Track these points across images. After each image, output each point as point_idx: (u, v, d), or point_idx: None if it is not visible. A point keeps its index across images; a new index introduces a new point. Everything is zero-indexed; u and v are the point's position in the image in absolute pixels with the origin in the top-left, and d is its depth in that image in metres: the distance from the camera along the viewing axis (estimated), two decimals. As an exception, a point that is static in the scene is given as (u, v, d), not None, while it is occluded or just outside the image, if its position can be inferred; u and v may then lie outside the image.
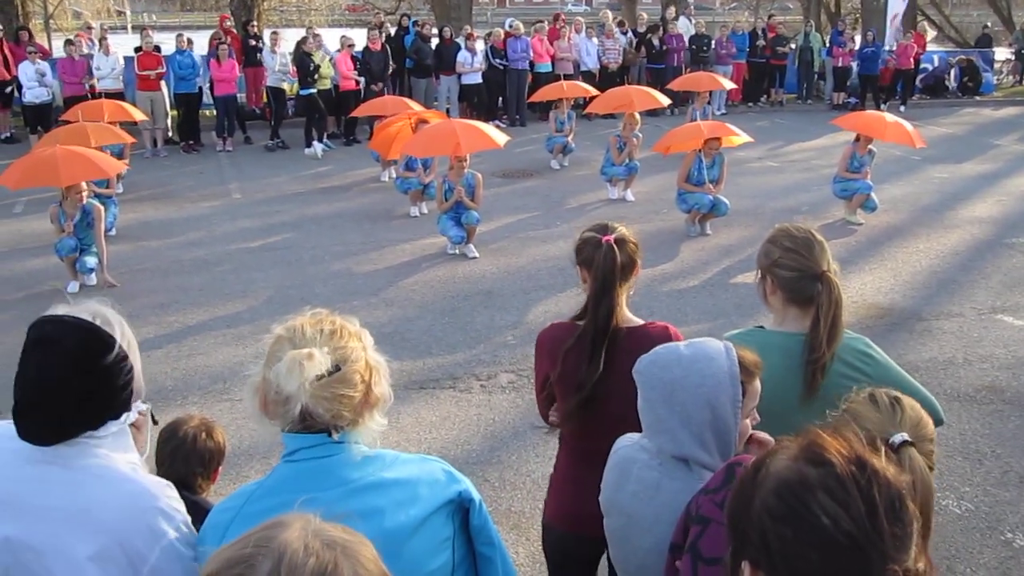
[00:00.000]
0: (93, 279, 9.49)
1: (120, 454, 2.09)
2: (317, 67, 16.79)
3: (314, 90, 16.86)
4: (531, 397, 6.70)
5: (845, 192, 11.78)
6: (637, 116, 13.18)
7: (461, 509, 2.14)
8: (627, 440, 2.68)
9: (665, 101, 14.69)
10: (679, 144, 11.61)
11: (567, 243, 10.56)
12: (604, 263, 3.15)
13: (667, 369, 2.43)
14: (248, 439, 6.11)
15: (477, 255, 10.36)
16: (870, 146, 11.68)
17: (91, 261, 9.43)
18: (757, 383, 2.46)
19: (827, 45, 22.88)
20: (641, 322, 3.26)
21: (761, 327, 3.17)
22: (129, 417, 2.11)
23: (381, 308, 8.76)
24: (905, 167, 15.03)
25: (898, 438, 2.03)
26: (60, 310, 2.09)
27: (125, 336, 2.12)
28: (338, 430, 2.00)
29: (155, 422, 2.32)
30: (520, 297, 9.08)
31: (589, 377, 3.14)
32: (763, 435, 2.50)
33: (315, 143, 16.84)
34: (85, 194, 9.45)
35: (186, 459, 3.30)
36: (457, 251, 10.44)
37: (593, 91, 16.03)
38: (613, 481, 2.63)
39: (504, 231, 11.47)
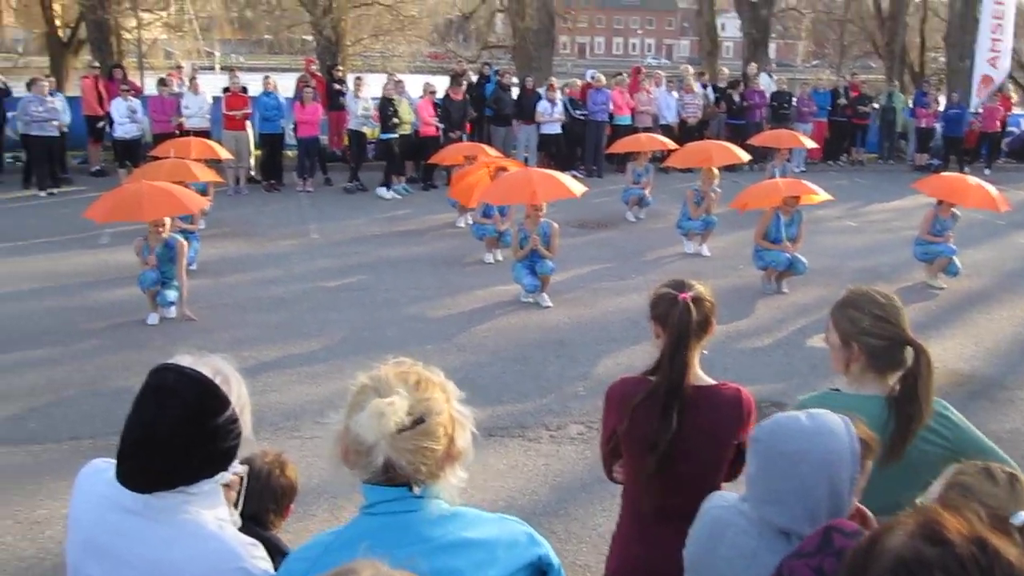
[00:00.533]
0: (172, 312, 9.67)
1: (209, 511, 2.10)
2: (396, 112, 17.01)
3: (394, 135, 17.09)
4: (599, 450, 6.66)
5: (927, 255, 11.57)
6: (715, 171, 13.13)
7: (539, 573, 2.09)
8: (721, 500, 2.61)
9: (745, 157, 14.61)
10: (756, 201, 11.53)
11: (641, 296, 10.55)
12: (680, 321, 3.11)
13: (789, 441, 2.34)
14: (317, 477, 6.12)
15: (551, 304, 10.35)
16: (953, 209, 11.49)
17: (171, 295, 9.61)
18: (871, 462, 2.38)
19: (910, 105, 22.63)
20: (713, 382, 3.21)
21: (837, 390, 3.11)
22: (224, 477, 2.12)
23: (453, 353, 8.78)
24: (989, 231, 14.73)
25: (1020, 518, 1.93)
26: (184, 360, 2.12)
27: (240, 398, 2.13)
28: (419, 484, 1.96)
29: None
30: (592, 348, 9.05)
31: (662, 436, 3.09)
32: (860, 506, 2.43)
33: (388, 187, 17.09)
34: (168, 229, 9.66)
35: (259, 495, 3.31)
36: (531, 299, 10.45)
37: (672, 144, 16.01)
38: (703, 541, 2.56)
39: (578, 281, 11.46)
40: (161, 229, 9.52)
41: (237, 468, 2.16)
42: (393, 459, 1.91)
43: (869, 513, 2.41)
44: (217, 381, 2.09)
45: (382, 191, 17.14)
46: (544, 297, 10.43)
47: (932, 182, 12.26)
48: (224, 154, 14.88)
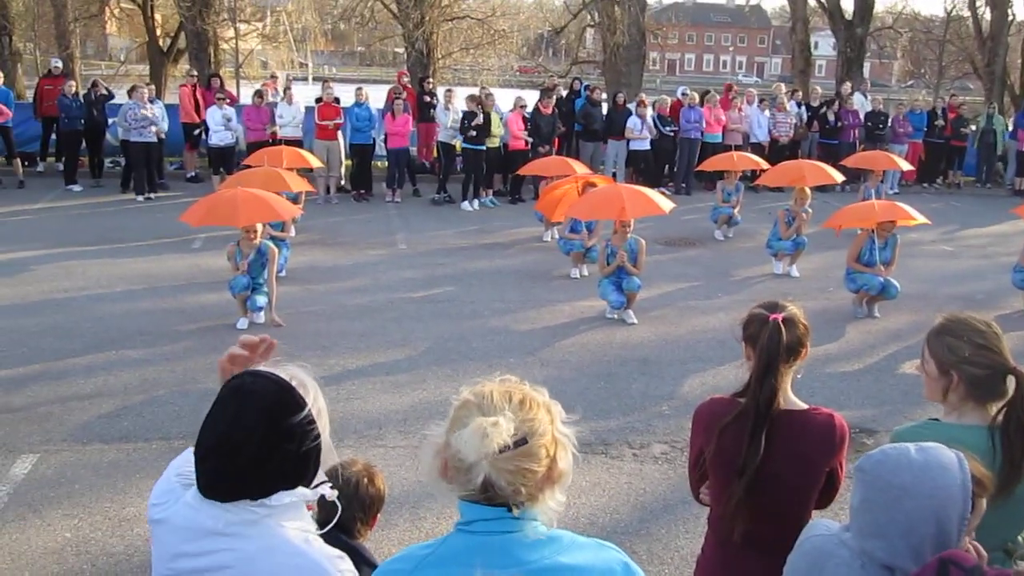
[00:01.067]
0: (261, 317, 9.82)
1: (291, 523, 2.09)
2: (474, 124, 17.07)
3: (480, 147, 17.20)
4: (683, 470, 6.55)
5: (1026, 283, 11.22)
6: (808, 191, 12.92)
7: None
8: (822, 529, 2.54)
9: (839, 178, 14.34)
10: (851, 222, 11.31)
11: (728, 315, 10.46)
12: (769, 342, 3.06)
13: (896, 473, 2.25)
14: (399, 487, 6.16)
15: (636, 321, 10.27)
16: None
17: (261, 300, 9.76)
18: (984, 500, 2.27)
19: (1010, 128, 22.02)
20: (805, 406, 3.14)
21: (936, 420, 3.01)
22: (307, 495, 2.11)
23: (536, 368, 8.76)
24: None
25: None
26: (262, 367, 2.14)
27: (317, 404, 2.13)
28: (518, 506, 1.92)
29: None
30: (677, 367, 8.95)
31: (750, 460, 3.04)
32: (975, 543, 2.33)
33: (470, 200, 17.32)
34: (260, 235, 9.81)
35: (348, 504, 3.32)
36: (616, 316, 10.38)
37: (763, 164, 15.81)
38: (802, 570, 2.49)
39: (664, 299, 11.36)
40: (253, 235, 9.68)
41: (327, 491, 2.16)
42: (493, 479, 1.88)
43: (983, 551, 2.31)
44: (293, 384, 2.10)
45: (464, 204, 17.28)
46: (629, 314, 10.35)
47: None
48: (315, 163, 15.09)
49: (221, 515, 2.04)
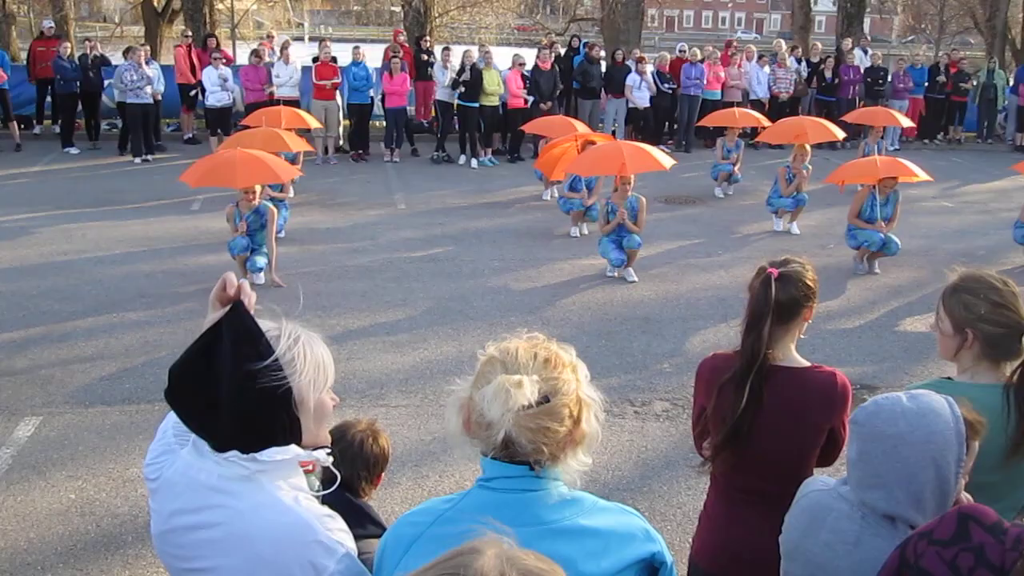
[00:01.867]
0: (261, 278, 9.80)
1: (284, 481, 2.07)
2: (461, 78, 17.12)
3: (473, 104, 17.25)
4: (685, 428, 6.59)
5: (1030, 235, 11.20)
6: (808, 148, 12.87)
7: (650, 569, 2.03)
8: (819, 484, 2.54)
9: (840, 134, 14.25)
10: (853, 177, 11.26)
11: (728, 272, 10.45)
12: (757, 295, 3.07)
13: (891, 423, 2.26)
14: (401, 446, 6.18)
15: (636, 279, 10.26)
16: None
17: (261, 261, 9.74)
18: (977, 443, 2.29)
19: (1011, 83, 21.88)
20: (807, 364, 3.14)
21: (949, 379, 2.98)
22: (300, 454, 2.08)
23: (537, 326, 8.70)
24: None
25: None
26: (261, 317, 2.12)
27: (296, 359, 2.06)
28: (540, 464, 1.91)
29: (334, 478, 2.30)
30: (678, 325, 8.95)
31: (732, 411, 3.05)
32: (966, 495, 2.34)
33: (469, 157, 17.50)
34: (259, 196, 9.77)
35: (352, 462, 3.33)
36: (616, 274, 10.37)
37: (764, 120, 15.72)
38: (802, 526, 2.49)
39: (665, 257, 11.34)
40: (252, 196, 9.64)
41: (322, 457, 2.14)
42: (513, 436, 1.86)
43: (970, 498, 2.32)
44: (270, 334, 2.05)
45: (461, 160, 17.45)
46: (630, 272, 10.34)
47: None
48: (313, 123, 15.00)
49: (214, 469, 2.04)
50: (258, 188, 9.81)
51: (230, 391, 1.99)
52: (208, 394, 2.01)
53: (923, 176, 10.92)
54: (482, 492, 1.96)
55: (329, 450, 2.20)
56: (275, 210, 10.03)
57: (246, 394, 2.00)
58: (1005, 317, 2.81)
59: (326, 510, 2.11)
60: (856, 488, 2.35)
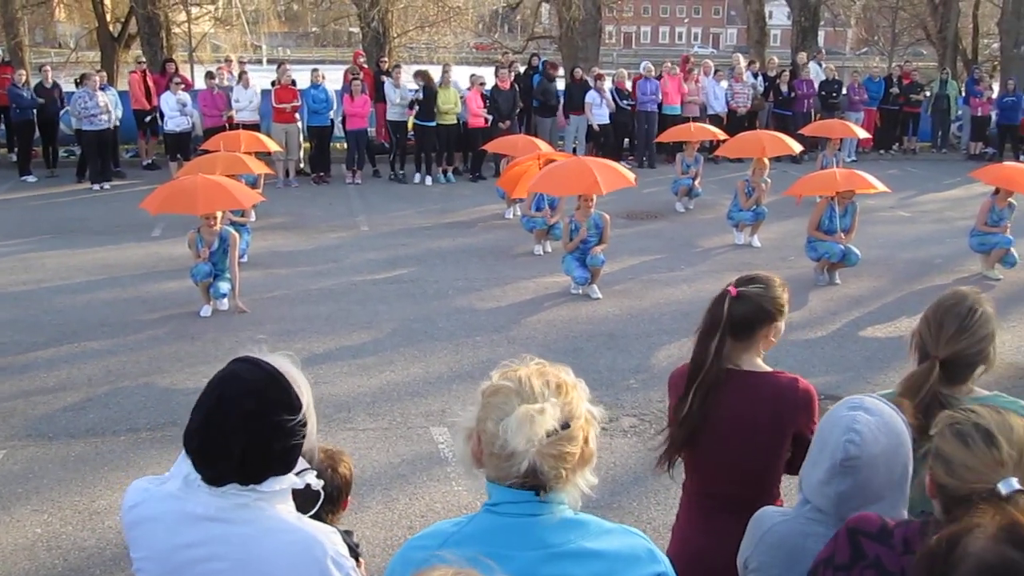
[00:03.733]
0: (225, 304, 9.75)
1: (283, 505, 2.11)
2: (413, 98, 17.32)
3: (430, 123, 17.40)
4: (652, 442, 6.61)
5: (983, 246, 11.37)
6: (766, 161, 13.01)
7: None
8: (776, 516, 2.56)
9: (797, 148, 14.42)
10: (812, 190, 11.40)
11: (691, 287, 10.51)
12: (711, 310, 3.15)
13: (876, 443, 2.33)
14: (370, 469, 6.18)
15: (600, 296, 10.31)
16: (1010, 199, 11.28)
17: (224, 287, 9.69)
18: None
19: (963, 93, 22.24)
20: (768, 369, 3.20)
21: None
22: (296, 482, 2.13)
23: (503, 346, 8.77)
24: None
25: (1005, 487, 1.82)
26: (254, 353, 2.14)
27: (305, 396, 2.14)
28: (550, 489, 1.93)
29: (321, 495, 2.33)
30: (643, 340, 9.00)
31: (677, 413, 3.14)
32: None
33: (422, 175, 17.75)
34: (220, 222, 9.72)
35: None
36: (580, 291, 10.41)
37: (721, 135, 15.87)
38: (780, 562, 2.49)
39: (628, 272, 11.41)
40: (213, 222, 9.60)
41: (312, 479, 2.17)
42: (537, 464, 1.88)
43: None
44: (289, 381, 2.11)
45: (416, 178, 17.67)
46: (594, 289, 10.39)
47: (990, 171, 12.02)
48: (273, 147, 14.97)
49: (211, 501, 2.05)
50: (219, 214, 9.77)
51: (260, 435, 2.04)
52: (226, 432, 2.03)
53: (880, 187, 11.07)
54: (488, 516, 1.98)
55: (315, 471, 2.24)
56: (237, 236, 9.98)
57: (276, 439, 2.06)
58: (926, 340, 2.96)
59: (329, 527, 2.15)
60: (844, 510, 2.36)
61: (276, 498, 2.09)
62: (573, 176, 10.62)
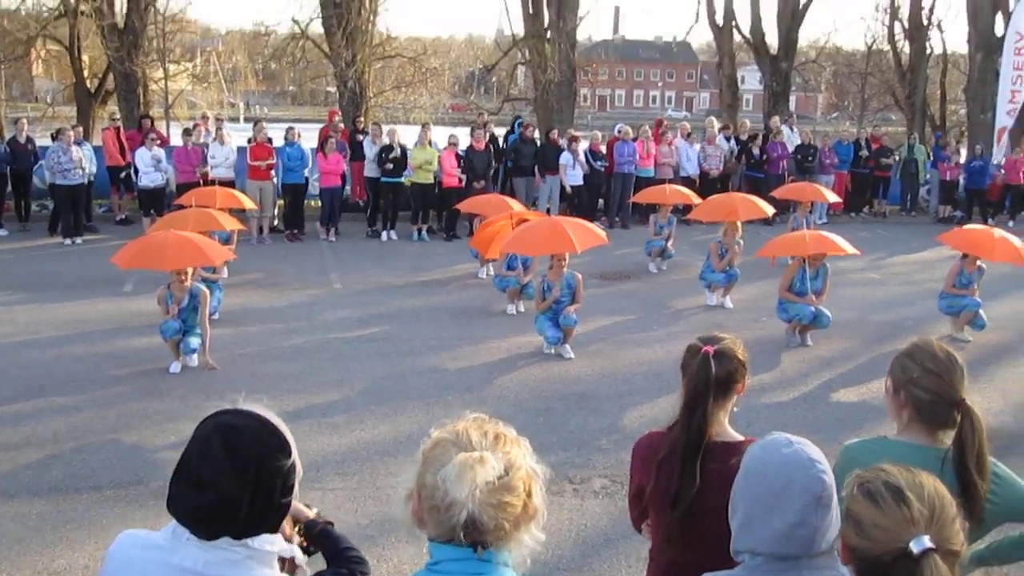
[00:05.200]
0: (195, 360, 9.68)
1: (270, 570, 2.09)
2: (389, 156, 17.57)
3: (397, 179, 17.74)
4: (624, 504, 6.56)
5: (952, 308, 11.47)
6: (739, 224, 13.10)
7: None
8: None
9: (769, 211, 14.54)
10: (783, 251, 11.50)
11: (664, 348, 10.51)
12: (697, 373, 3.11)
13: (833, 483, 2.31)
14: (339, 529, 6.08)
15: (573, 356, 10.30)
16: (979, 262, 11.40)
17: (194, 342, 9.62)
18: None
19: (932, 157, 22.62)
20: (741, 438, 3.17)
21: (885, 437, 3.06)
22: (285, 549, 2.10)
23: (475, 405, 8.71)
24: (1015, 284, 14.59)
25: (916, 546, 1.81)
26: (241, 405, 2.12)
27: (291, 439, 2.16)
28: (491, 544, 1.91)
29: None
30: (615, 401, 8.98)
31: (683, 492, 3.06)
32: None
33: (381, 230, 18.01)
34: (190, 278, 9.66)
35: None
36: (553, 351, 10.40)
37: (695, 198, 16.01)
38: None
39: (601, 333, 11.41)
40: (184, 278, 9.54)
41: (298, 554, 2.16)
42: (476, 515, 1.86)
43: None
44: (279, 428, 2.14)
45: (383, 235, 17.95)
46: (566, 349, 10.38)
47: (957, 236, 12.17)
48: (248, 204, 14.97)
49: (199, 555, 2.01)
50: (190, 270, 9.72)
51: (265, 482, 2.04)
52: (230, 483, 2.01)
53: (851, 250, 11.15)
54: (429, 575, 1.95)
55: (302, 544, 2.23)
56: (207, 292, 9.92)
57: (277, 485, 2.06)
58: (936, 384, 2.89)
59: None
60: (818, 545, 2.30)
61: (266, 560, 2.06)
62: (546, 235, 10.60)
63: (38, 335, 10.83)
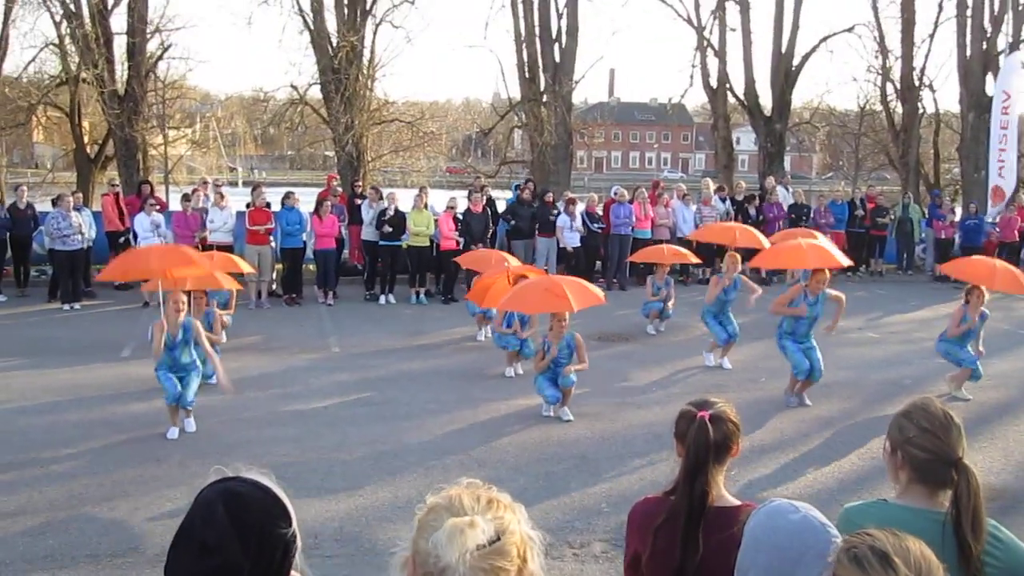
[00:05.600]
0: (192, 425, 9.65)
1: None
2: (386, 218, 17.72)
3: (396, 243, 17.86)
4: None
5: (949, 355, 11.42)
6: (738, 257, 12.90)
7: None
8: None
9: (766, 243, 14.32)
10: (779, 263, 11.42)
11: (663, 409, 10.47)
12: (696, 439, 3.09)
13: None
14: (337, 598, 6.02)
15: (571, 418, 10.27)
16: (982, 308, 11.27)
17: (191, 392, 9.61)
18: None
19: (927, 216, 22.77)
20: (737, 503, 3.16)
21: (885, 500, 3.04)
22: None
23: (474, 468, 8.68)
24: (1014, 341, 14.63)
25: None
26: (244, 473, 2.13)
27: (291, 506, 2.14)
28: None
29: None
30: (615, 463, 8.93)
31: (688, 561, 3.03)
32: None
33: (379, 294, 18.08)
34: (184, 308, 9.62)
35: None
36: (552, 413, 10.37)
37: (693, 258, 16.06)
38: None
39: (600, 395, 11.38)
40: (179, 307, 9.52)
41: None
42: None
43: None
44: (280, 496, 2.13)
45: (381, 299, 18.02)
46: (565, 411, 10.35)
47: (958, 265, 12.05)
48: (247, 268, 14.99)
49: None
50: (184, 298, 9.68)
51: (258, 551, 2.03)
52: (222, 547, 1.99)
53: (845, 261, 11.17)
54: None
55: None
56: (199, 323, 9.88)
57: (272, 557, 2.05)
58: (930, 443, 2.86)
59: None
60: None
61: None
62: (544, 294, 10.56)
63: (35, 401, 10.80)
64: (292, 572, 2.18)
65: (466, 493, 1.97)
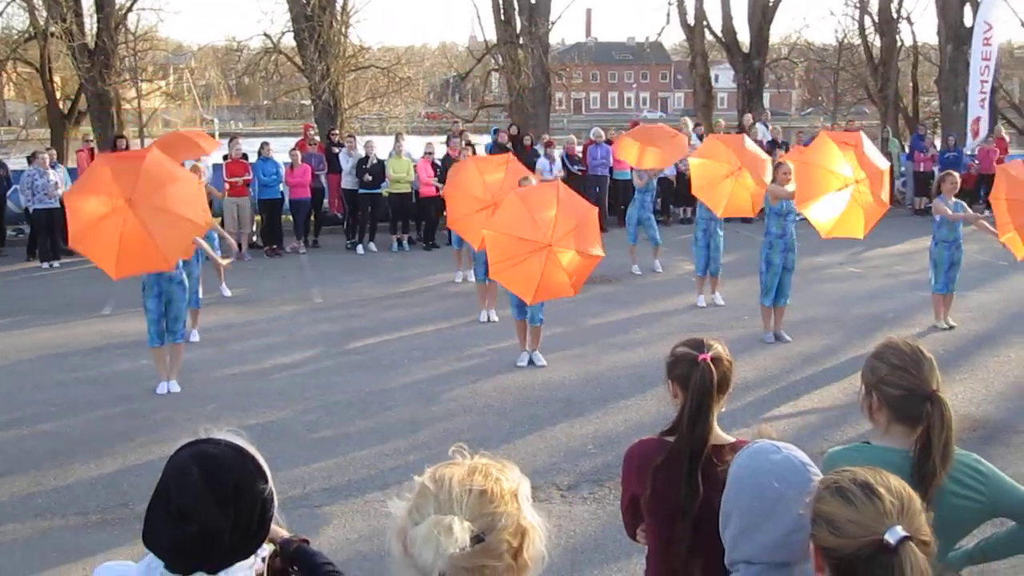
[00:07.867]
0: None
1: None
2: (368, 166, 17.66)
3: (376, 190, 17.82)
4: (612, 509, 6.59)
5: (935, 266, 11.51)
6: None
7: None
8: None
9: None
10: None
11: (647, 350, 10.50)
12: (701, 382, 3.06)
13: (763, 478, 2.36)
14: (327, 547, 6.04)
15: (545, 363, 10.22)
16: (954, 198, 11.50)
17: (179, 321, 9.49)
18: None
19: (906, 150, 22.74)
20: (732, 439, 3.16)
21: (867, 442, 3.05)
22: (256, 564, 2.09)
23: (460, 415, 8.72)
24: (992, 273, 14.70)
25: (892, 536, 1.83)
26: (217, 434, 2.11)
27: (266, 465, 2.13)
28: None
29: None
30: (600, 405, 8.98)
31: (691, 501, 3.03)
32: None
33: (364, 244, 18.12)
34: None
35: None
36: (525, 363, 10.24)
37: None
38: None
39: (583, 337, 11.42)
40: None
41: (265, 551, 2.15)
42: (451, 575, 1.78)
43: None
44: (255, 455, 2.11)
45: (359, 248, 18.05)
46: (538, 356, 10.29)
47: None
48: (210, 147, 14.44)
49: None
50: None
51: (248, 511, 2.02)
52: (200, 512, 1.98)
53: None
54: None
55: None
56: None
57: (251, 516, 2.04)
58: (903, 379, 2.85)
59: None
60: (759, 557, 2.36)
61: None
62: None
63: (19, 360, 10.77)
64: (273, 526, 2.18)
65: (459, 479, 1.84)
